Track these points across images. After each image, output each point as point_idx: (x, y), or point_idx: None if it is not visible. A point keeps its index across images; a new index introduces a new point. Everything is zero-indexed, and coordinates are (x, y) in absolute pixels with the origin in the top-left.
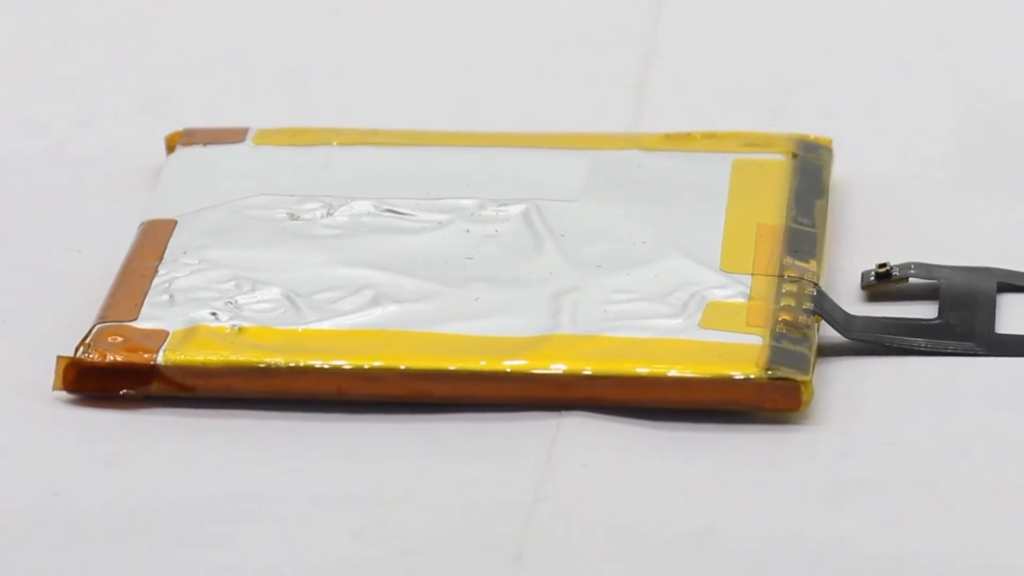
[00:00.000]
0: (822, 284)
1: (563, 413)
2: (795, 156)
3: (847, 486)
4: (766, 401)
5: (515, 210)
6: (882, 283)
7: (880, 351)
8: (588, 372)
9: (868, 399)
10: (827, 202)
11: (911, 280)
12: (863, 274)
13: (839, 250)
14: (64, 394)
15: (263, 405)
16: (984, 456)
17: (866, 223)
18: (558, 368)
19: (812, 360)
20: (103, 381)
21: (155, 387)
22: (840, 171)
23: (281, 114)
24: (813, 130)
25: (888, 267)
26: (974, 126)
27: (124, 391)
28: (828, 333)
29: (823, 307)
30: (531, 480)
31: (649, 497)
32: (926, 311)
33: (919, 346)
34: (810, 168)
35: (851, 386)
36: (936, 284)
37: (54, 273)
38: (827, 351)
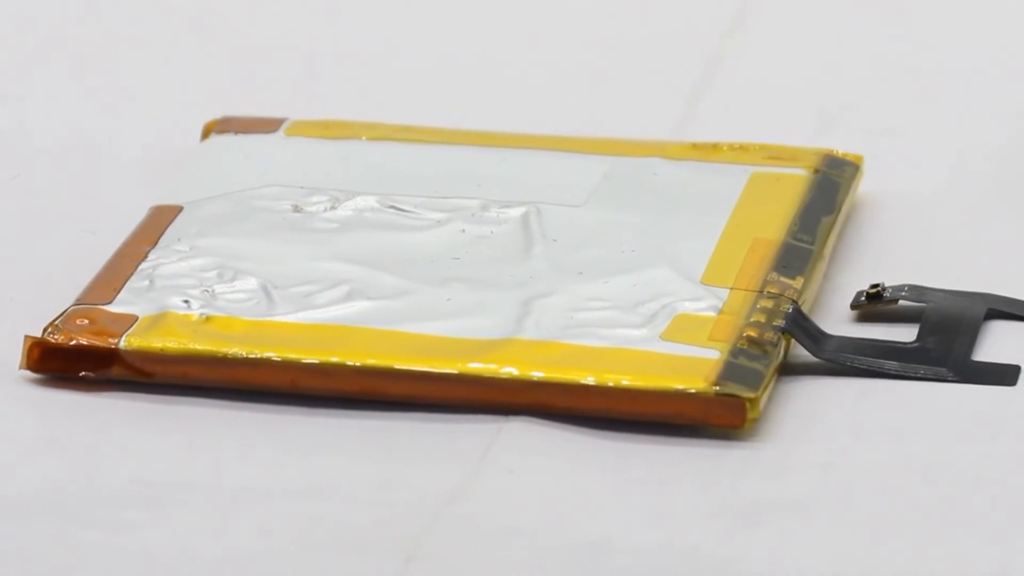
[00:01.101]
0: (810, 302)
1: (510, 418)
2: (816, 171)
3: (764, 506)
4: (711, 416)
5: (515, 212)
6: (872, 304)
7: (850, 372)
8: (536, 378)
9: (822, 420)
10: (836, 219)
11: (901, 303)
12: (857, 294)
13: (847, 268)
14: (32, 374)
15: (221, 394)
16: (918, 485)
17: (885, 243)
18: (507, 372)
19: (767, 378)
20: (66, 362)
21: (115, 371)
22: (875, 189)
23: (337, 107)
24: (861, 147)
25: (880, 288)
26: (1019, 151)
27: (85, 373)
28: (801, 351)
29: (796, 325)
30: (452, 482)
31: (563, 505)
32: (909, 334)
33: (888, 369)
34: (828, 184)
35: (809, 406)
36: (924, 308)
37: (63, 254)
38: (798, 369)
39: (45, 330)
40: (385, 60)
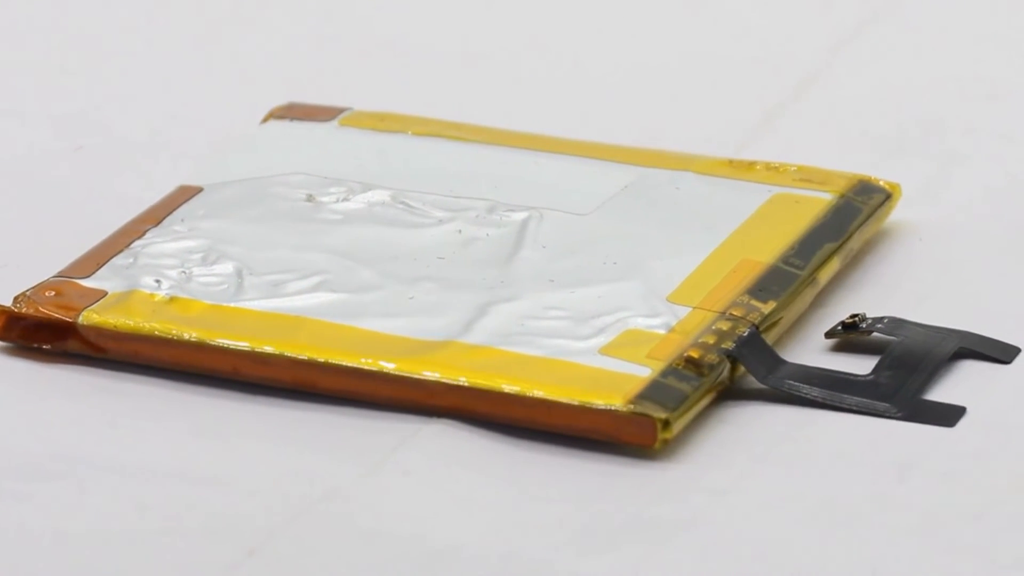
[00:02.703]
0: (784, 326)
1: (433, 420)
2: (842, 196)
3: (636, 528)
4: (623, 434)
5: (518, 216)
6: (847, 334)
7: (795, 401)
8: (458, 382)
9: (742, 446)
10: (841, 246)
11: (875, 335)
12: (839, 323)
13: (848, 296)
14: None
15: (170, 376)
16: (798, 520)
17: (902, 273)
18: (432, 375)
19: (690, 400)
20: (28, 332)
21: (71, 345)
22: (918, 217)
23: (427, 104)
24: (915, 178)
25: (857, 318)
26: None
27: (43, 345)
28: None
29: (746, 349)
30: (341, 479)
31: (435, 512)
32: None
33: (832, 401)
34: (847, 210)
35: (736, 431)
36: (891, 341)
37: (101, 226)
38: (744, 394)
39: (16, 299)
40: (488, 61)
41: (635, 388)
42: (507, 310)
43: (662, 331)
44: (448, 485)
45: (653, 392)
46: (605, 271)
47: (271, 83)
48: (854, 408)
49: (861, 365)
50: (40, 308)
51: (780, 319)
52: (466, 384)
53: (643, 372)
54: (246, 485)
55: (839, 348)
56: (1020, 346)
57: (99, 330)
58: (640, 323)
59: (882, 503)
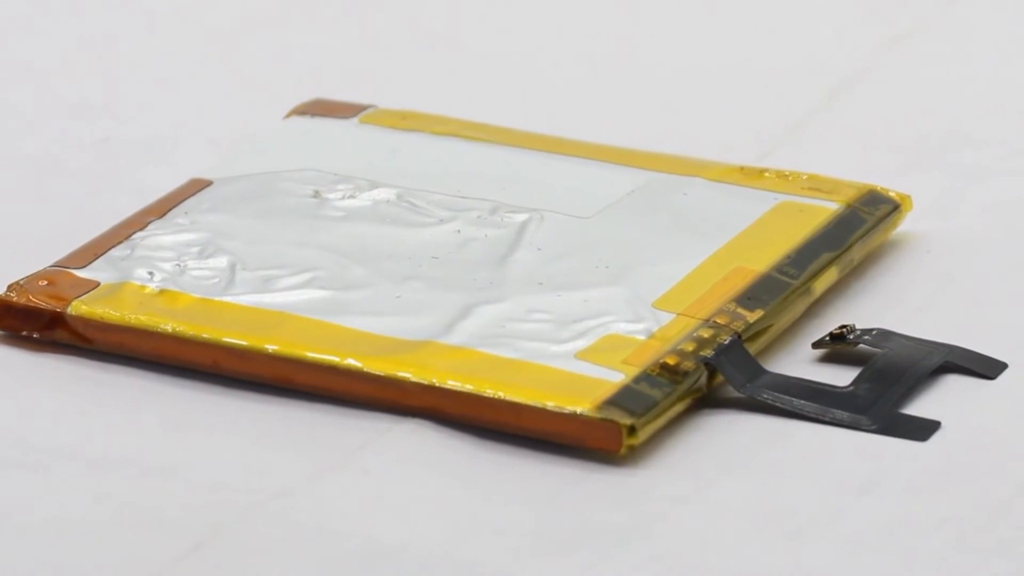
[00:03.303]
0: (772, 335)
1: (406, 420)
2: (848, 206)
3: (588, 534)
4: (589, 439)
5: (519, 218)
6: (834, 344)
7: (771, 411)
8: (431, 383)
9: (712, 454)
10: (840, 256)
11: (861, 346)
12: (828, 334)
13: (842, 307)
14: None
15: (155, 368)
16: (754, 530)
17: (907, 285)
18: (406, 375)
19: (661, 406)
20: (18, 321)
21: (59, 334)
22: (929, 230)
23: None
24: (934, 190)
25: (845, 329)
26: None
27: (32, 334)
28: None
29: (725, 358)
30: (300, 476)
31: (388, 512)
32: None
33: (807, 411)
34: (851, 220)
35: (707, 439)
36: (875, 353)
37: (114, 216)
38: (722, 403)
39: (9, 288)
40: (525, 62)
41: (605, 393)
42: (491, 311)
43: (642, 337)
44: (405, 485)
45: (623, 398)
46: (596, 275)
47: (310, 79)
48: (828, 420)
49: (846, 376)
50: (31, 297)
51: (769, 328)
52: (438, 385)
53: (616, 377)
54: (205, 479)
55: (826, 359)
56: (1010, 362)
57: (86, 321)
58: (621, 328)
59: (838, 516)
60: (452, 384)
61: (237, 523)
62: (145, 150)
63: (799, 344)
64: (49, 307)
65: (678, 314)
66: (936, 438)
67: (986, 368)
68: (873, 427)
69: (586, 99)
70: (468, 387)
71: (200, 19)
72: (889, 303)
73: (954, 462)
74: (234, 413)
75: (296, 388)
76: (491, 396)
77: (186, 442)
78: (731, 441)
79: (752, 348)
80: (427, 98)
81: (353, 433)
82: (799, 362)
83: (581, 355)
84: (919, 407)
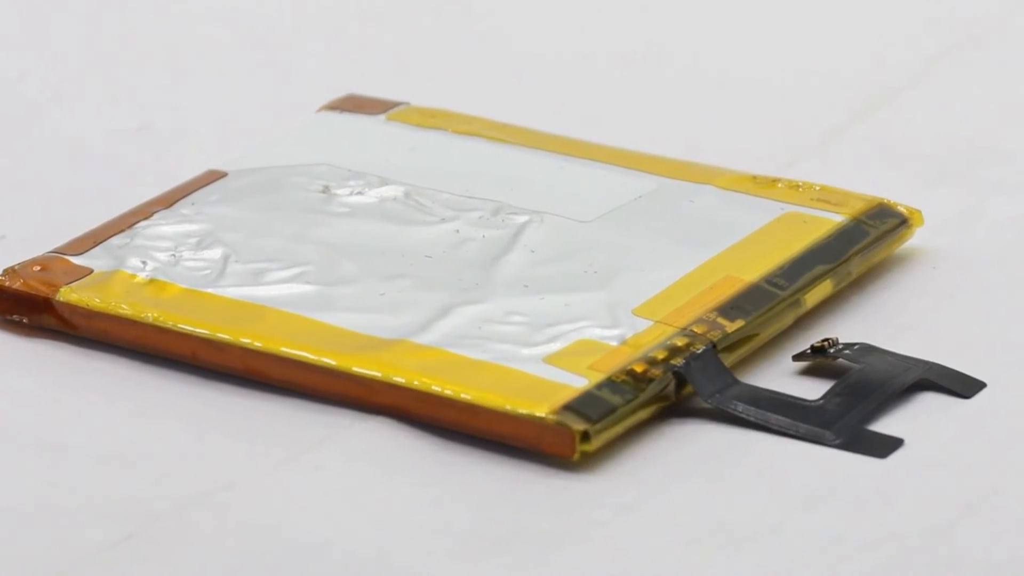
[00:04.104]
0: (755, 346)
1: (369, 417)
2: (854, 219)
3: (520, 539)
4: (543, 443)
5: (520, 219)
6: (815, 357)
7: (738, 422)
8: (395, 381)
9: (668, 463)
10: (835, 269)
11: (840, 360)
12: (808, 346)
13: (835, 319)
14: None
15: (137, 356)
16: (688, 542)
17: (903, 300)
18: (372, 372)
19: (621, 413)
20: (9, 305)
21: (46, 320)
22: (942, 245)
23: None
24: (954, 206)
25: (827, 343)
26: None
27: (20, 318)
28: None
29: (696, 367)
30: (250, 470)
31: (327, 508)
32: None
33: (772, 424)
34: (852, 233)
35: (667, 448)
36: (851, 367)
37: (134, 203)
38: (697, 413)
39: (4, 272)
40: (574, 66)
41: (564, 398)
42: (470, 312)
43: (614, 343)
44: (352, 483)
45: (581, 403)
46: (583, 280)
47: (357, 75)
48: (792, 433)
49: (823, 390)
50: (23, 282)
51: (752, 338)
52: (402, 383)
53: (579, 383)
54: (157, 468)
55: (807, 372)
56: (991, 382)
57: (73, 307)
58: (596, 333)
59: (776, 530)
60: (415, 383)
61: (174, 514)
62: (182, 140)
63: (783, 356)
64: (38, 292)
65: (656, 321)
66: (896, 455)
67: (963, 387)
68: (836, 442)
69: (622, 103)
70: (431, 387)
71: (256, 9)
72: (883, 318)
73: (907, 480)
74: (204, 404)
75: (270, 382)
76: (451, 396)
77: (148, 431)
78: (691, 451)
79: (732, 358)
80: (473, 98)
81: (315, 428)
82: (779, 374)
83: (549, 359)
84: (887, 423)
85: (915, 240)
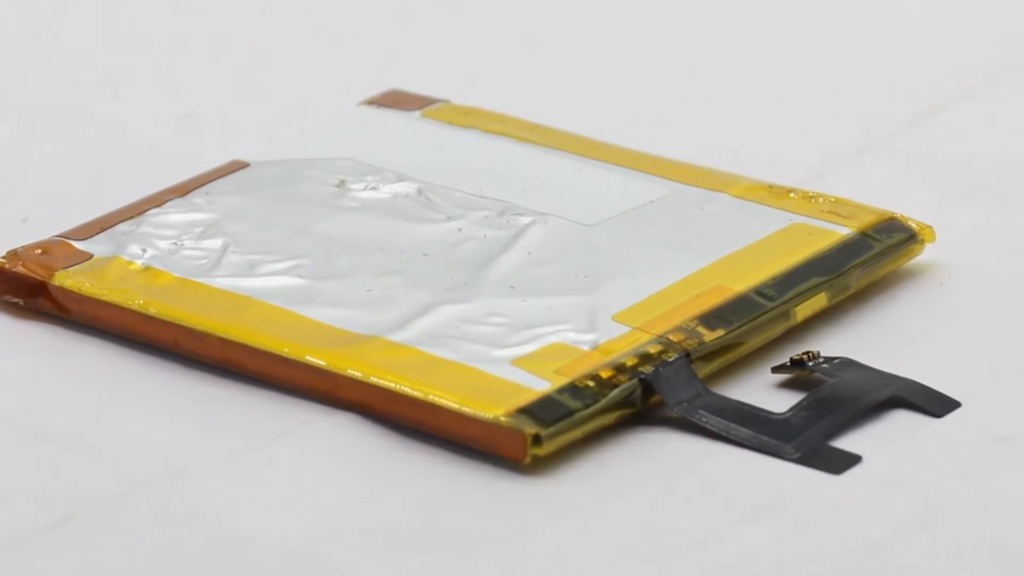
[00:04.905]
0: (736, 356)
1: (336, 412)
2: (861, 232)
3: (449, 538)
4: (497, 445)
5: (524, 221)
6: (793, 370)
7: (702, 432)
8: (360, 377)
9: (623, 471)
10: (832, 282)
11: (815, 374)
12: (788, 359)
13: (828, 332)
14: None
15: (126, 342)
16: (626, 552)
17: (902, 316)
18: (340, 368)
19: (579, 418)
20: (7, 287)
21: (41, 303)
22: (955, 262)
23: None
24: (975, 223)
25: (807, 356)
26: None
27: (16, 300)
28: None
29: (663, 375)
30: (201, 460)
31: (266, 502)
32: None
33: (735, 435)
34: (855, 247)
35: (628, 456)
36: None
37: (154, 187)
38: (665, 421)
39: (7, 254)
40: (616, 70)
41: (521, 401)
42: (450, 311)
43: (586, 348)
44: (299, 478)
45: (538, 407)
46: (571, 283)
47: (406, 71)
48: (753, 445)
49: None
50: (23, 265)
51: (735, 347)
52: (367, 380)
53: (541, 386)
54: (112, 454)
55: (786, 384)
56: (966, 402)
57: (66, 291)
58: (570, 338)
59: (712, 541)
60: (379, 380)
61: (114, 500)
62: (224, 131)
63: (765, 367)
64: (35, 275)
65: (632, 328)
66: (852, 472)
67: (936, 406)
68: (795, 456)
69: (663, 107)
70: (393, 384)
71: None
72: (876, 333)
73: (856, 497)
74: (178, 393)
75: (245, 373)
76: (412, 395)
77: (114, 418)
78: (648, 459)
79: (710, 368)
80: (521, 98)
81: (280, 421)
82: (757, 386)
83: (517, 361)
84: (851, 439)
85: (928, 255)
